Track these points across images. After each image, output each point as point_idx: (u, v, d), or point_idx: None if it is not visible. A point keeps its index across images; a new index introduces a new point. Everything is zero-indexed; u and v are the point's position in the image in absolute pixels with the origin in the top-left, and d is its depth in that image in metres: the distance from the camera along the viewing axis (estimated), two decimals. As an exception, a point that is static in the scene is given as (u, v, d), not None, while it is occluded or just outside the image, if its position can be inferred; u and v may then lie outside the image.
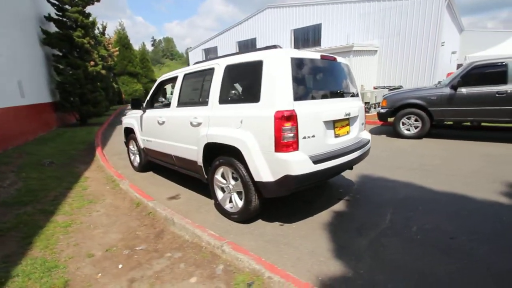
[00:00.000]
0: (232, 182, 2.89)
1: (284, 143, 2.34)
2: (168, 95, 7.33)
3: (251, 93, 2.60)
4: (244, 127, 2.57)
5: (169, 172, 4.76)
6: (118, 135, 9.20)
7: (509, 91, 5.39)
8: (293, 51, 2.60)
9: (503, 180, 3.69)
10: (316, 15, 19.85)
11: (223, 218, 2.99)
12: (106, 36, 14.30)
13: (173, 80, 4.06)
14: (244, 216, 2.82)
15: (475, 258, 2.15)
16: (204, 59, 26.52)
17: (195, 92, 3.43)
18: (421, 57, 15.77)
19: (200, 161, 3.18)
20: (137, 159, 5.00)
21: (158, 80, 4.25)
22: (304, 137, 2.45)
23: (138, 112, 4.68)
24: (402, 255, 2.24)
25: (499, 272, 1.98)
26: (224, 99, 2.87)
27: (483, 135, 6.61)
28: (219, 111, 2.87)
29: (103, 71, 12.19)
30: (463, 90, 5.85)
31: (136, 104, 4.36)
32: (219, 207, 3.10)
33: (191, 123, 3.21)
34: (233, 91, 2.88)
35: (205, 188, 3.86)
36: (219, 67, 2.98)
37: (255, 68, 2.59)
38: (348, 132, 3.00)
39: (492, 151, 5.17)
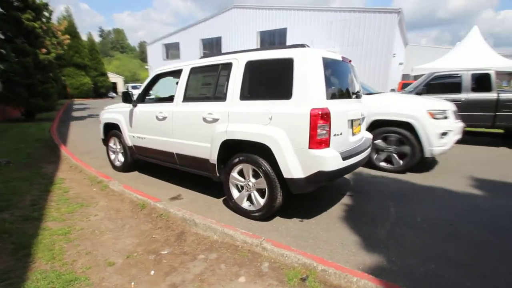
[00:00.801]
0: (253, 180, 2.84)
1: (318, 140, 2.40)
2: (155, 90, 6.84)
3: (281, 90, 2.59)
4: (274, 124, 2.55)
5: (158, 171, 4.47)
6: (78, 132, 8.32)
7: (463, 99, 6.28)
8: (321, 50, 2.67)
9: (469, 175, 4.29)
10: (282, 19, 20.46)
11: (239, 217, 2.92)
12: (54, 22, 12.54)
13: (175, 73, 3.82)
14: (267, 214, 2.80)
15: (474, 240, 2.47)
16: (166, 54, 25.89)
17: (207, 87, 3.29)
18: (376, 66, 17.37)
19: (213, 159, 3.05)
20: (120, 158, 4.57)
21: (154, 73, 3.95)
22: (335, 135, 2.54)
23: (125, 107, 4.29)
24: (418, 242, 2.46)
25: (497, 248, 2.32)
26: (246, 95, 2.81)
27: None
28: (241, 107, 2.80)
29: (56, 61, 10.82)
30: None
31: (127, 97, 3.98)
32: (235, 205, 3.01)
33: (204, 119, 3.07)
34: (257, 87, 2.84)
35: (207, 187, 3.74)
36: (237, 62, 2.90)
37: (284, 66, 2.59)
38: (359, 131, 3.19)
39: (455, 152, 5.96)
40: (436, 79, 6.76)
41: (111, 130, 4.62)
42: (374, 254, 2.28)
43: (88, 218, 2.83)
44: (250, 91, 2.82)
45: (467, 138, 7.29)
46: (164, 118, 3.53)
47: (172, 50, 27.88)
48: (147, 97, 4.21)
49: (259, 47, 22.09)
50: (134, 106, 4.05)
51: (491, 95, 6.02)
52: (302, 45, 2.68)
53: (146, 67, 31.64)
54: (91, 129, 9.33)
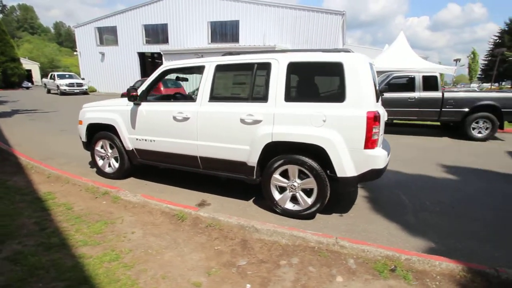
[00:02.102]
0: (298, 180, 2.90)
1: (372, 140, 2.59)
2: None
3: (333, 93, 2.69)
4: (328, 126, 2.64)
5: (158, 175, 4.14)
6: (17, 133, 6.91)
7: (416, 97, 7.39)
8: (364, 55, 2.83)
9: (438, 163, 5.16)
10: (234, 11, 20.20)
11: (281, 217, 2.96)
12: None
13: (192, 70, 3.54)
14: (314, 213, 2.91)
15: (478, 217, 3.07)
16: (100, 39, 23.29)
17: (241, 86, 3.15)
18: (323, 63, 18.78)
19: (252, 162, 2.98)
20: (113, 164, 4.02)
21: (162, 68, 3.55)
22: (380, 134, 2.77)
23: (121, 105, 3.78)
24: (441, 223, 2.92)
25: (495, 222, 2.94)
26: (292, 96, 2.81)
27: (395, 129, 8.74)
28: (287, 108, 2.79)
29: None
30: (386, 95, 7.56)
31: (130, 96, 3.49)
32: (276, 206, 3.02)
33: (242, 121, 2.95)
34: (304, 89, 2.86)
35: (228, 189, 3.66)
36: (278, 63, 2.87)
37: (334, 69, 2.69)
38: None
39: (413, 142, 7.00)
40: (394, 79, 7.76)
41: (98, 131, 4.00)
42: (420, 238, 2.62)
43: (125, 237, 2.46)
44: (296, 93, 2.84)
45: (416, 130, 8.66)
46: (186, 119, 3.25)
47: (107, 35, 24.81)
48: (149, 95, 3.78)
49: (210, 37, 21.44)
50: (137, 104, 3.59)
51: (437, 94, 7.24)
52: (347, 50, 2.81)
53: (75, 53, 27.37)
54: (32, 128, 7.82)
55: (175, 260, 2.17)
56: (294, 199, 2.99)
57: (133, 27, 23.15)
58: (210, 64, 3.22)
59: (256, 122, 2.90)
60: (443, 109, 7.17)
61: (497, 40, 43.93)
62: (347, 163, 2.63)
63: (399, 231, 2.75)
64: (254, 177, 3.09)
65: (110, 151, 4.02)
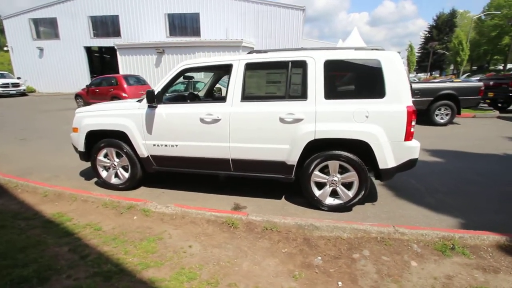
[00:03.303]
0: (338, 175, 2.99)
1: (411, 132, 2.79)
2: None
3: (373, 90, 2.81)
4: (371, 121, 2.76)
5: (170, 181, 3.97)
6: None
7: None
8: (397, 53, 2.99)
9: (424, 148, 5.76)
10: (194, 3, 19.41)
11: (322, 212, 3.05)
12: None
13: (217, 68, 3.35)
14: (354, 205, 3.04)
15: (488, 195, 3.55)
16: (36, 32, 20.97)
17: (276, 85, 3.09)
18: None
19: (292, 161, 2.99)
20: (122, 174, 3.64)
21: (180, 67, 3.29)
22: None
23: (131, 108, 3.43)
24: (458, 202, 3.31)
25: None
26: (331, 94, 2.86)
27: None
28: (328, 106, 2.84)
29: None
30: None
31: (151, 98, 3.16)
32: (317, 202, 3.09)
33: (282, 120, 2.92)
34: (343, 87, 2.92)
35: (254, 189, 3.63)
36: (314, 61, 2.89)
37: (371, 66, 2.81)
38: None
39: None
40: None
41: (101, 139, 3.57)
42: (449, 216, 2.94)
43: (185, 252, 2.27)
44: (335, 91, 2.89)
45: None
46: (216, 120, 3.08)
47: (45, 28, 21.82)
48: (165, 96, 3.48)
49: (168, 31, 20.27)
50: (154, 107, 3.28)
51: (406, 86, 8.00)
52: (380, 48, 2.95)
53: (5, 48, 23.41)
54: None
55: (255, 269, 2.09)
56: (333, 194, 3.09)
57: (77, 19, 20.70)
58: (238, 62, 3.08)
59: (297, 120, 2.89)
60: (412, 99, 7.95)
61: (427, 35, 49.80)
62: (389, 155, 2.80)
63: (430, 213, 3.05)
64: (292, 175, 3.10)
65: (117, 160, 3.62)
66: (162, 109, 3.28)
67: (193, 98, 4.20)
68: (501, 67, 39.31)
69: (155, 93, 3.20)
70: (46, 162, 4.91)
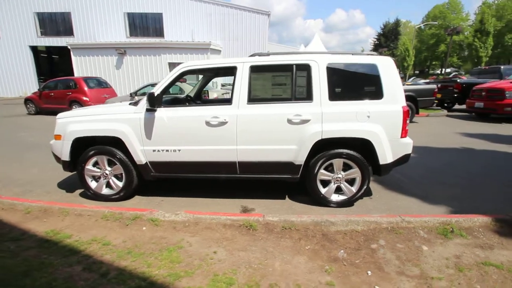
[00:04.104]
0: (342, 172, 3.17)
1: (406, 130, 3.08)
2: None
3: (372, 91, 3.03)
4: (372, 121, 2.98)
5: (166, 187, 3.82)
6: None
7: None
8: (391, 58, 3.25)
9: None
10: (156, 2, 18.68)
11: (328, 209, 3.20)
12: None
13: (220, 71, 3.30)
14: (357, 200, 3.24)
15: (457, 183, 4.04)
16: None
17: (281, 87, 3.15)
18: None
19: (300, 161, 3.09)
20: (115, 183, 3.39)
21: (181, 69, 3.17)
22: None
23: (127, 112, 3.23)
24: (441, 190, 3.72)
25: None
26: (335, 96, 3.02)
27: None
28: (333, 107, 3.00)
29: None
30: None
31: (153, 100, 2.99)
32: (323, 199, 3.22)
33: (289, 121, 3.00)
34: (345, 89, 3.08)
35: (255, 190, 3.64)
36: (317, 64, 3.03)
37: (369, 70, 3.04)
38: None
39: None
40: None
41: (89, 146, 3.29)
42: (439, 204, 3.30)
43: (212, 258, 2.21)
44: (338, 93, 3.05)
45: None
46: (222, 123, 3.05)
47: (-22, 23, 19.04)
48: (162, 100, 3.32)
49: (128, 31, 19.15)
50: (152, 111, 3.12)
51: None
52: (376, 54, 3.19)
53: None
54: None
55: (288, 268, 2.12)
56: (337, 190, 3.25)
57: (21, 15, 18.51)
58: (242, 65, 3.09)
59: (304, 121, 3.00)
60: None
61: (376, 42, 54.43)
62: (388, 152, 3.05)
63: (421, 202, 3.37)
64: (299, 175, 3.19)
65: (108, 168, 3.36)
66: (163, 113, 3.14)
67: (192, 101, 4.07)
68: (438, 72, 44.70)
69: (155, 95, 3.05)
70: (11, 175, 4.34)
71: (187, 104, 3.83)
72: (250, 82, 3.08)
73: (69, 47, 16.81)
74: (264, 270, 2.09)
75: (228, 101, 3.19)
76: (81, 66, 17.12)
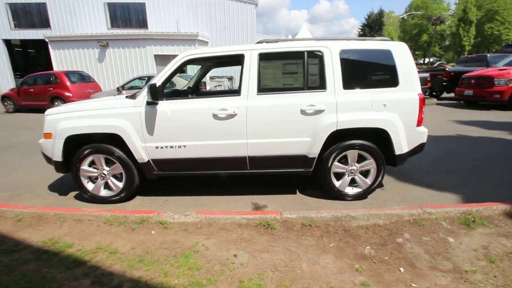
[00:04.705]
0: (357, 164, 3.05)
1: (421, 118, 2.98)
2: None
3: (387, 79, 2.90)
4: (388, 109, 2.86)
5: (167, 185, 3.62)
6: None
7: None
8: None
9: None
10: (138, -8, 17.72)
11: (341, 202, 3.10)
12: None
13: (225, 59, 3.07)
14: (370, 192, 3.14)
15: (460, 169, 4.03)
16: None
17: (293, 76, 2.97)
18: (243, 52, 19.07)
19: (314, 153, 2.94)
20: (114, 184, 3.13)
21: (182, 57, 2.92)
22: None
23: (125, 106, 2.96)
24: (451, 178, 3.69)
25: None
26: (349, 84, 2.87)
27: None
28: (347, 96, 2.85)
29: None
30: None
31: (155, 93, 2.73)
32: (337, 193, 3.10)
33: (303, 112, 2.83)
34: (359, 76, 2.93)
35: (266, 186, 3.52)
36: (329, 51, 2.86)
37: (384, 56, 2.90)
38: None
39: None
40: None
41: (84, 145, 3.01)
42: (452, 193, 3.25)
43: (233, 263, 2.04)
44: (352, 81, 2.90)
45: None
46: (231, 116, 2.84)
47: None
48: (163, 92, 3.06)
49: (109, 22, 18.22)
50: (154, 104, 2.87)
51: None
52: (388, 39, 3.05)
53: None
54: None
55: (317, 269, 1.98)
56: (350, 183, 3.14)
57: (-11, 5, 17.19)
58: (250, 52, 2.88)
59: (319, 112, 2.84)
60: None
61: (361, 32, 54.80)
62: (404, 141, 2.94)
63: (433, 191, 3.32)
64: (312, 169, 3.05)
65: (106, 168, 3.10)
66: (165, 106, 2.89)
67: (195, 93, 3.81)
68: (421, 61, 45.60)
69: (157, 87, 2.79)
70: (-6, 179, 3.96)
71: (190, 96, 3.57)
72: (260, 71, 2.87)
73: (46, 40, 15.77)
74: (293, 272, 1.95)
75: (235, 92, 2.98)
76: (60, 60, 16.16)
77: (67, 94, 10.42)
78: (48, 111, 3.12)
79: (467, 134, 6.14)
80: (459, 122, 7.38)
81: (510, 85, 8.87)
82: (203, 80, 4.84)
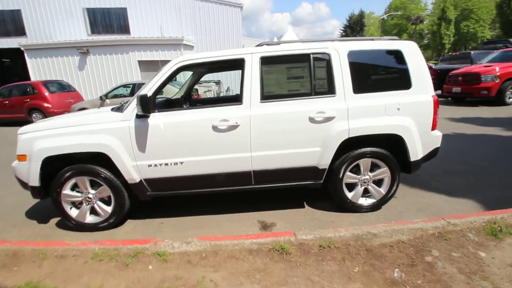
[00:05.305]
0: (370, 173, 2.83)
1: (436, 121, 2.80)
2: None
3: (399, 81, 2.71)
4: (402, 114, 2.66)
5: (161, 206, 3.29)
6: None
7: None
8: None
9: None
10: (118, -3, 17.13)
11: (353, 215, 2.88)
12: None
13: (223, 64, 2.80)
14: (384, 203, 2.93)
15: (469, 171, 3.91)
16: None
17: (298, 81, 2.72)
18: (229, 56, 18.79)
19: (324, 164, 2.71)
20: (101, 208, 2.78)
21: (176, 64, 2.62)
22: None
23: (112, 120, 2.62)
24: (462, 182, 3.54)
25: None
26: (359, 88, 2.65)
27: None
28: (358, 101, 2.63)
29: None
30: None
31: (146, 104, 2.40)
32: (350, 205, 2.87)
33: (312, 120, 2.59)
34: (369, 79, 2.72)
35: (269, 200, 3.23)
36: (337, 53, 2.64)
37: (394, 57, 2.72)
38: None
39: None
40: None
41: (64, 166, 2.65)
42: (466, 198, 3.09)
43: (249, 301, 1.75)
44: (362, 84, 2.69)
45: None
46: (233, 127, 2.56)
47: None
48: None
49: (89, 28, 17.53)
50: (145, 117, 2.55)
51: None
52: (397, 38, 2.86)
53: None
54: None
55: (347, 302, 1.73)
56: (366, 193, 2.92)
57: (-42, 12, 16.15)
58: (251, 56, 2.61)
59: (328, 119, 2.60)
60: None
61: (343, 33, 55.78)
62: (419, 146, 2.75)
63: (447, 197, 3.16)
64: (322, 180, 2.81)
65: (92, 191, 2.74)
66: (158, 119, 2.57)
67: (188, 102, 3.50)
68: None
69: (148, 98, 2.47)
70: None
71: (185, 106, 3.26)
72: (262, 77, 2.61)
73: (22, 48, 14.93)
74: (320, 309, 1.68)
75: (235, 100, 2.70)
76: (38, 69, 15.33)
77: (46, 105, 9.81)
78: (21, 130, 2.73)
79: (462, 132, 6.11)
80: (452, 120, 7.38)
81: (497, 81, 9.02)
82: (195, 87, 4.53)
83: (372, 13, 62.33)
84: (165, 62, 15.79)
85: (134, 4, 17.40)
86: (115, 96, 9.20)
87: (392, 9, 48.90)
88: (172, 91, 4.03)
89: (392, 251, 2.23)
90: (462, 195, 3.17)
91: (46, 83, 10.42)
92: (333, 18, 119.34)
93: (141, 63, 15.35)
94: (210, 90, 10.27)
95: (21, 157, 2.64)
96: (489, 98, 9.16)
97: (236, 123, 2.55)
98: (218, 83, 13.47)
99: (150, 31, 17.61)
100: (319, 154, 2.67)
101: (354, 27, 53.48)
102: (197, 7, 17.76)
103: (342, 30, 56.82)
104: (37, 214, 3.23)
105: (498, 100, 9.00)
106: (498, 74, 9.04)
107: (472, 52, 12.32)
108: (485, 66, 9.69)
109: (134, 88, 9.08)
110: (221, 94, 14.32)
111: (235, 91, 18.62)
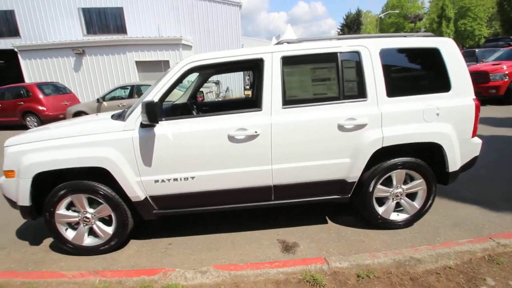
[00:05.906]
0: (404, 186, 2.53)
1: (477, 128, 2.50)
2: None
3: (436, 82, 2.42)
4: (441, 119, 2.36)
5: (167, 224, 2.94)
6: None
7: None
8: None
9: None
10: (114, -4, 16.71)
11: (386, 232, 2.58)
12: None
13: (237, 65, 2.50)
14: (418, 218, 2.63)
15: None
16: None
17: (323, 84, 2.41)
18: (229, 55, 18.45)
19: (354, 176, 2.41)
20: (101, 229, 2.45)
21: (185, 65, 2.29)
22: None
23: (112, 130, 2.29)
24: (493, 189, 3.26)
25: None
26: (393, 90, 2.35)
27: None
28: (393, 105, 2.33)
29: None
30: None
31: (154, 112, 2.07)
32: (381, 221, 2.57)
33: (341, 127, 2.28)
34: (403, 80, 2.43)
35: (285, 215, 2.92)
36: (368, 51, 2.33)
37: (431, 55, 2.41)
38: None
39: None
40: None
41: (58, 182, 2.32)
42: (503, 210, 2.81)
43: None
44: (397, 86, 2.38)
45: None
46: (252, 137, 2.25)
47: None
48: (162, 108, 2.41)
49: (85, 28, 17.10)
50: (151, 126, 2.22)
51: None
52: (431, 34, 2.56)
53: None
54: None
55: None
56: (398, 208, 2.62)
57: None
58: (271, 55, 2.30)
59: (360, 126, 2.29)
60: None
61: (340, 32, 55.69)
62: (458, 155, 2.46)
63: (482, 209, 2.87)
64: (350, 194, 2.51)
65: (90, 210, 2.41)
66: (166, 128, 2.25)
67: (196, 106, 3.17)
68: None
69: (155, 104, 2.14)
70: None
71: (196, 113, 2.94)
72: (284, 79, 2.30)
73: (15, 49, 14.47)
74: None
75: (253, 106, 2.38)
76: (32, 71, 14.88)
77: (40, 108, 9.41)
78: (8, 142, 2.39)
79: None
80: (464, 121, 7.12)
81: (505, 80, 8.79)
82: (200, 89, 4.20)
83: (369, 12, 62.27)
84: (165, 62, 15.38)
85: (130, 4, 16.98)
86: (113, 98, 8.84)
87: (389, 8, 48.78)
88: (177, 95, 3.71)
89: (440, 279, 1.93)
90: (497, 206, 2.89)
91: (40, 85, 10.02)
92: (329, 17, 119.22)
93: (139, 63, 14.97)
94: (212, 91, 9.94)
95: (8, 173, 2.30)
96: (497, 97, 8.93)
97: (256, 132, 2.23)
98: (217, 83, 13.14)
99: (148, 31, 17.21)
100: (348, 165, 2.36)
101: (351, 26, 53.41)
102: (195, 6, 17.39)
103: (339, 29, 56.77)
104: (29, 233, 2.89)
105: (506, 99, 8.78)
106: (506, 72, 8.82)
107: (477, 50, 12.12)
108: (493, 65, 9.46)
109: (133, 90, 8.73)
110: (221, 95, 13.99)
111: (235, 91, 18.31)
